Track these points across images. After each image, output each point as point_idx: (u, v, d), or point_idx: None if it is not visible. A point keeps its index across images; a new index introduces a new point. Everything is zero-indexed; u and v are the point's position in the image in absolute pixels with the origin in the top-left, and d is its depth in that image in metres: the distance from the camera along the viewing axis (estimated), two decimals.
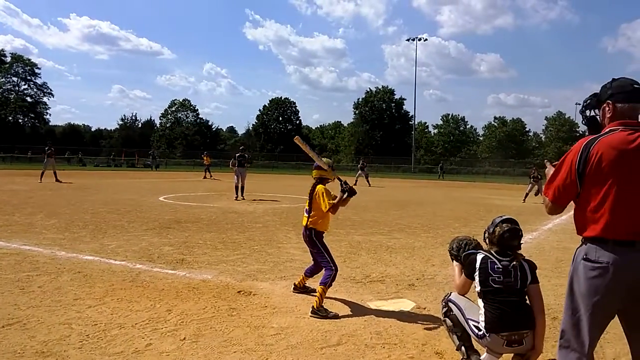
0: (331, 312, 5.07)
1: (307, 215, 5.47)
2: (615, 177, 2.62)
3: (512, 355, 3.67)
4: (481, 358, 3.68)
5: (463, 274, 3.88)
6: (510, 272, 3.59)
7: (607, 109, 2.79)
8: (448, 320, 3.92)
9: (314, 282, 5.57)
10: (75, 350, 3.94)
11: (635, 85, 2.75)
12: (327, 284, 5.21)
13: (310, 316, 5.00)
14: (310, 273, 5.79)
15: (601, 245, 2.64)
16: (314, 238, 5.42)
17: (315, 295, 5.22)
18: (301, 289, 5.86)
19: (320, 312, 5.02)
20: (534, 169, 23.02)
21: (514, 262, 3.63)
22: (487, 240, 3.83)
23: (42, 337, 4.16)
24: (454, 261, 4.24)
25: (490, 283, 3.59)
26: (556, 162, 2.90)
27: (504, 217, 3.77)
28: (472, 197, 24.57)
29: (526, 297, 3.67)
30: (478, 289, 3.67)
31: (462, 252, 4.10)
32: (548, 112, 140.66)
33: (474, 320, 3.70)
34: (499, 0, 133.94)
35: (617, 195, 2.62)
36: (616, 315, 2.80)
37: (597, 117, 2.89)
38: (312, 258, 5.70)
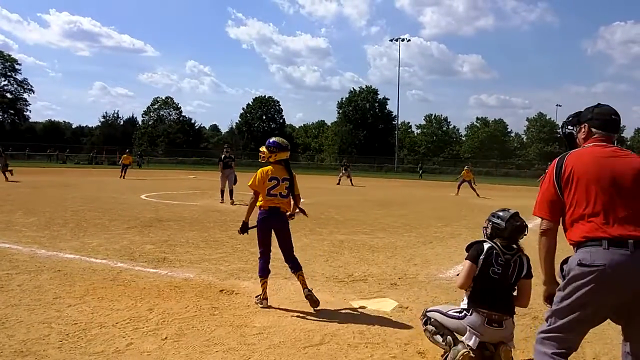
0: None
1: (286, 200, 5.42)
2: (593, 181, 2.75)
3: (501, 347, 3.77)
4: (462, 338, 3.81)
5: (467, 261, 3.92)
6: (510, 266, 3.81)
7: (582, 130, 3.03)
8: (430, 327, 4.03)
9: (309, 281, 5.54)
10: (55, 349, 3.89)
11: (614, 117, 2.97)
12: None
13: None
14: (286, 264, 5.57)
15: (595, 247, 2.67)
16: (287, 221, 5.48)
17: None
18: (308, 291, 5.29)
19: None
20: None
21: (516, 257, 3.84)
22: (490, 234, 3.94)
23: (21, 336, 4.11)
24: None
25: (490, 273, 3.78)
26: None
27: (510, 212, 3.90)
28: (454, 197, 24.74)
29: (515, 289, 3.89)
30: (475, 273, 3.85)
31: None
32: (529, 113, 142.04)
33: (454, 310, 3.92)
34: (480, 2, 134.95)
35: (599, 198, 2.73)
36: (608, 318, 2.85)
37: (573, 133, 3.14)
38: (279, 247, 5.48)
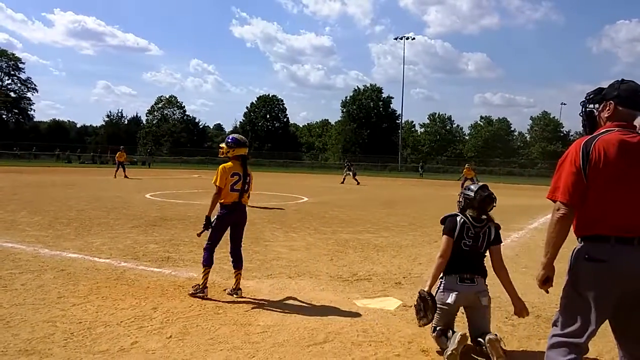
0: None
1: (245, 194, 5.67)
2: (616, 174, 2.62)
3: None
4: (444, 299, 4.11)
5: (444, 235, 4.25)
6: (479, 237, 4.13)
7: (607, 108, 2.80)
8: (437, 331, 4.13)
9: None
10: (60, 348, 3.90)
11: None
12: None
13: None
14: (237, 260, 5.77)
15: (602, 243, 2.64)
16: (246, 214, 5.74)
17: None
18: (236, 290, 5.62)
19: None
20: None
21: (485, 227, 4.15)
22: (462, 206, 4.29)
23: (25, 335, 4.12)
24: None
25: (462, 245, 4.13)
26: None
27: (479, 184, 4.30)
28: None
29: (486, 255, 4.22)
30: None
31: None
32: (533, 112, 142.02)
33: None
34: (485, 0, 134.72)
35: (617, 193, 2.63)
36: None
37: (595, 112, 2.91)
38: (231, 239, 5.86)
